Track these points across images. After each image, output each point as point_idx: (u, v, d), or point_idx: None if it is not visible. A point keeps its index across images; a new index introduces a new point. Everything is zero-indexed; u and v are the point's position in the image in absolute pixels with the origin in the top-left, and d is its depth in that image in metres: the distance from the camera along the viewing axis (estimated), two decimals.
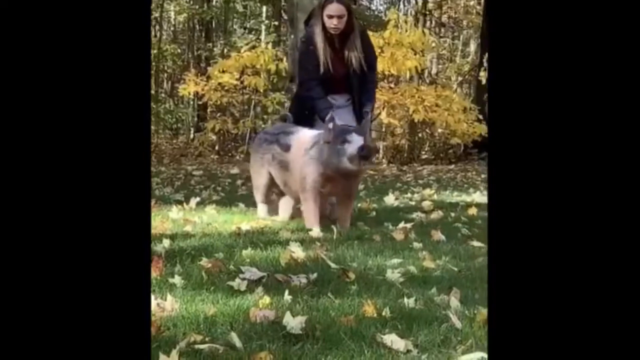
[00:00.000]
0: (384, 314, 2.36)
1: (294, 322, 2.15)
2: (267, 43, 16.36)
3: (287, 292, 2.53)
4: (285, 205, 4.89)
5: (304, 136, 4.55)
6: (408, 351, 2.04)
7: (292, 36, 13.83)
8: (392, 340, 2.07)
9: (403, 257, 3.42)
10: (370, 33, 14.41)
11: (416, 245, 3.74)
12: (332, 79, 4.83)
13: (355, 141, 4.20)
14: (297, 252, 3.34)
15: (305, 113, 4.89)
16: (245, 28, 20.42)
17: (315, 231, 4.06)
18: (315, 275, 2.90)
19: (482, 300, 2.61)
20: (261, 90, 15.27)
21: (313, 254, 3.37)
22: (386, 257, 3.38)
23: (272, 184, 4.80)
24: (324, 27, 4.76)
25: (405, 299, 2.54)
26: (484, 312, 2.30)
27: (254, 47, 15.26)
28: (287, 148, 4.56)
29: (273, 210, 4.96)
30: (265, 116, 15.59)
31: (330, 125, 4.32)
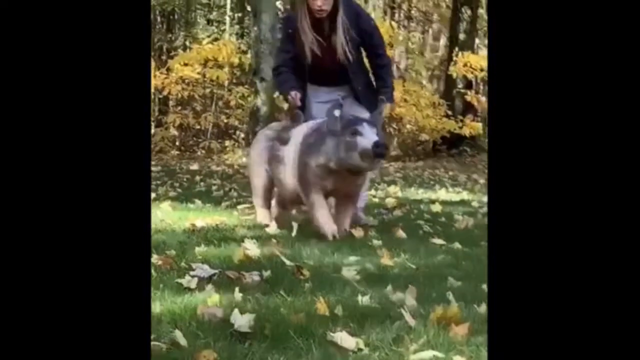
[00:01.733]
0: (336, 311, 2.36)
1: (242, 320, 2.14)
2: (230, 35, 16.33)
3: (237, 289, 2.52)
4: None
5: (305, 126, 4.14)
6: (359, 349, 2.04)
7: (256, 28, 13.84)
8: (342, 338, 2.07)
9: (361, 254, 3.42)
10: None
11: (375, 242, 3.75)
12: (321, 69, 4.40)
13: (368, 134, 3.73)
14: (252, 249, 3.34)
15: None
16: (208, 20, 20.33)
17: (272, 227, 4.04)
18: (268, 272, 2.90)
19: (438, 298, 2.62)
20: (224, 84, 15.23)
21: (268, 251, 3.37)
22: (344, 255, 3.39)
23: (271, 185, 4.37)
24: (309, 10, 4.25)
25: (360, 297, 2.55)
26: (439, 310, 2.31)
27: (216, 39, 15.23)
28: (285, 141, 4.14)
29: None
30: (228, 111, 15.53)
31: (337, 112, 3.85)
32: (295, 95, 4.29)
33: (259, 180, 4.39)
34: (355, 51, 4.41)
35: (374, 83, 4.56)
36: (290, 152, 4.05)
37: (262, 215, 4.43)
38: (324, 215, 3.94)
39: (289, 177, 4.07)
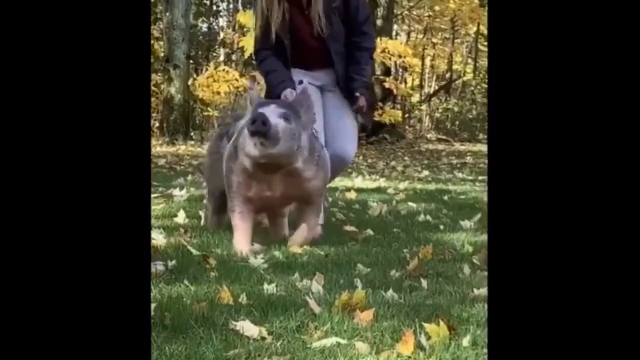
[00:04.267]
0: (240, 300, 2.35)
1: None
2: None
3: None
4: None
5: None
6: (262, 338, 2.03)
7: (168, 14, 13.73)
8: (245, 327, 2.06)
9: (271, 243, 3.42)
10: (252, 12, 14.36)
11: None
12: (302, 49, 3.82)
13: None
14: (158, 239, 3.32)
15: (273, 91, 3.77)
16: None
17: (181, 216, 4.01)
18: (174, 262, 2.88)
19: (346, 285, 2.64)
20: None
21: (175, 240, 3.35)
22: (252, 243, 3.38)
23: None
24: None
25: (265, 285, 2.55)
26: (344, 296, 2.32)
27: None
28: (230, 137, 3.54)
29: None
30: None
31: (248, 100, 3.36)
32: (290, 93, 3.60)
33: (213, 187, 3.81)
34: (339, 26, 3.80)
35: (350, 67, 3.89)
36: None
37: (210, 221, 3.87)
38: (238, 234, 3.34)
39: None
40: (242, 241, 3.30)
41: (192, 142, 13.48)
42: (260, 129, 2.96)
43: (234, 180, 3.27)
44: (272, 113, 3.02)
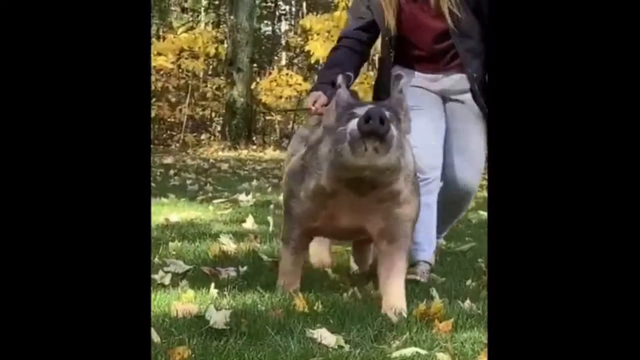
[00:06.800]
0: (315, 308, 2.36)
1: (217, 316, 2.13)
2: (206, 24, 16.29)
3: (213, 285, 2.52)
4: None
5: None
6: (339, 347, 2.03)
7: (232, 16, 13.82)
8: (322, 335, 2.06)
9: (345, 251, 3.43)
10: (316, 16, 14.32)
11: None
12: (413, 46, 3.13)
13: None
14: (228, 244, 3.34)
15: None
16: (182, 8, 20.28)
17: (249, 222, 4.04)
18: (245, 268, 2.90)
19: (421, 294, 2.63)
20: (200, 75, 15.22)
21: (245, 246, 3.37)
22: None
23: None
24: None
25: (340, 293, 2.55)
26: (422, 306, 2.31)
27: (191, 28, 15.19)
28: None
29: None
30: (203, 102, 15.50)
31: (334, 100, 2.49)
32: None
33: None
34: (469, 19, 3.04)
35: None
36: None
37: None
38: (286, 266, 2.68)
39: None
40: (290, 278, 2.66)
41: (254, 147, 13.56)
42: (378, 129, 2.17)
43: (294, 207, 2.58)
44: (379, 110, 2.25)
